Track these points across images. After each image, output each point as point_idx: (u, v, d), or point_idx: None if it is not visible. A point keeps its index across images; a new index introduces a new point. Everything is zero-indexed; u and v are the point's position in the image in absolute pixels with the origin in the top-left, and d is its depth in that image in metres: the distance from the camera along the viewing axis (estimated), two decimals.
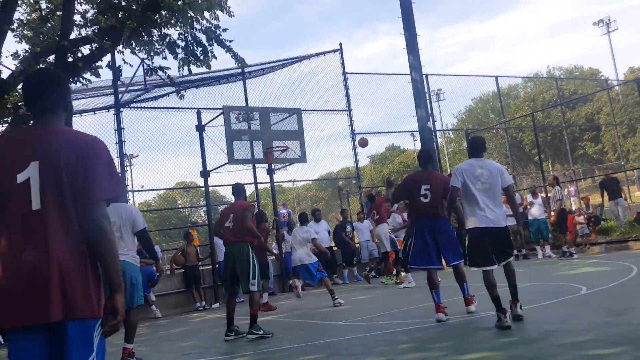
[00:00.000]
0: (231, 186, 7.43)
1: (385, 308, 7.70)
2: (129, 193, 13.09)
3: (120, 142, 12.50)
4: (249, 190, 15.26)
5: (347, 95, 16.12)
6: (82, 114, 12.65)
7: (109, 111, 12.68)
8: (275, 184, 14.53)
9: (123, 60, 11.79)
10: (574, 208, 15.86)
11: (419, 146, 16.09)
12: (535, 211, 13.41)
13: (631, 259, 9.86)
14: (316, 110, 15.67)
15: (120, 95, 12.62)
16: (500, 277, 5.38)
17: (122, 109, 12.64)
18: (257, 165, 14.27)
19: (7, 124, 8.94)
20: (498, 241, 5.39)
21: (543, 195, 14.75)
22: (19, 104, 8.18)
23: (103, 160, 2.18)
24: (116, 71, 10.96)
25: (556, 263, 11.52)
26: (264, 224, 10.63)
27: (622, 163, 28.59)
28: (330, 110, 16.06)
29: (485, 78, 20.64)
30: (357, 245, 14.18)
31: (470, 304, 6.37)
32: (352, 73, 16.41)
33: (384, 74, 17.92)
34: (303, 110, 14.19)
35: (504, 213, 5.57)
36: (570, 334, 4.59)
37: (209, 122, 13.37)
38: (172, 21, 8.58)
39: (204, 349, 6.42)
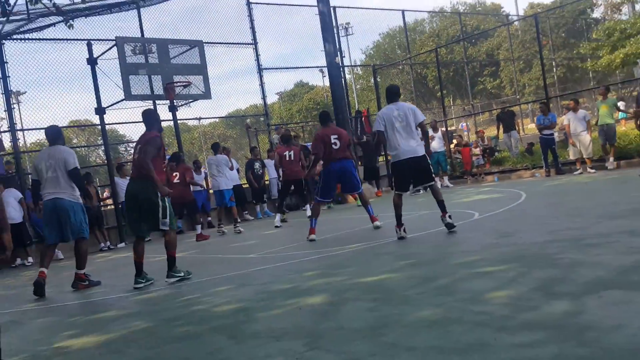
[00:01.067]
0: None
1: (293, 240, 7.88)
2: (19, 132, 12.13)
3: (5, 77, 11.50)
4: None
5: (252, 28, 15.63)
6: None
7: None
8: (179, 121, 14.08)
9: None
10: (470, 141, 16.78)
11: (328, 82, 16.08)
12: (436, 144, 14.02)
13: (521, 186, 10.67)
14: (219, 43, 15.10)
15: (0, 26, 11.46)
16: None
17: (4, 41, 11.53)
18: (158, 102, 13.65)
19: None
20: (418, 168, 6.41)
21: (443, 129, 15.44)
22: None
23: None
24: None
25: (453, 192, 12.24)
26: (184, 164, 10.45)
27: (518, 97, 30.32)
28: (235, 44, 15.55)
29: (393, 12, 20.75)
30: (266, 182, 14.24)
31: (375, 221, 7.81)
32: (256, 3, 15.85)
33: (289, 5, 17.47)
34: (205, 42, 13.62)
35: (422, 144, 6.53)
36: (463, 254, 4.94)
37: (101, 54, 12.52)
38: None
39: (110, 288, 6.31)
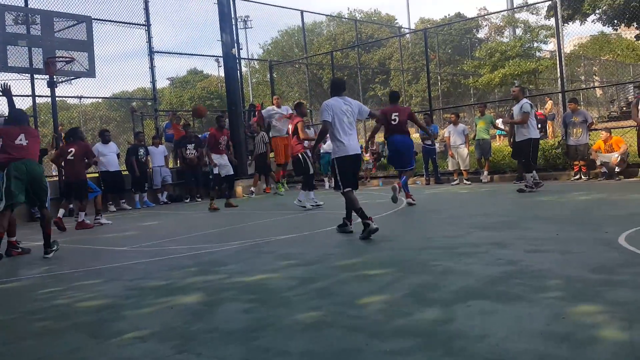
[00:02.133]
0: None
1: (173, 234, 7.56)
2: None
3: None
4: (27, 103, 13.48)
5: (147, 8, 14.82)
6: None
7: None
8: (57, 98, 13.02)
9: None
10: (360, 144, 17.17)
11: (223, 72, 15.67)
12: (327, 145, 14.19)
13: (401, 193, 11.05)
14: (110, 21, 14.13)
15: None
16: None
17: None
18: (36, 76, 12.55)
19: None
20: (356, 166, 6.42)
21: None
22: None
23: None
24: None
25: (338, 195, 12.44)
26: (82, 141, 9.66)
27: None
28: (126, 23, 14.63)
29: (292, 11, 20.82)
30: (149, 170, 13.59)
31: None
32: None
33: None
34: (94, 19, 12.74)
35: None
36: (344, 256, 5.00)
37: None
38: None
39: None
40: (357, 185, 6.40)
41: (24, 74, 12.25)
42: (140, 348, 2.89)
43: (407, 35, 36.70)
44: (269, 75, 22.16)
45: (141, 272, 5.06)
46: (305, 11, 21.14)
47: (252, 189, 13.50)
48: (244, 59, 22.73)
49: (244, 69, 25.29)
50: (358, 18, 42.20)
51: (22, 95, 13.07)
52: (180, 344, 2.91)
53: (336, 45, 36.57)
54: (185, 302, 3.78)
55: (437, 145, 13.60)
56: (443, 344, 2.59)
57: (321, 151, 14.51)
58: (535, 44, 26.99)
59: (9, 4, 11.89)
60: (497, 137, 19.19)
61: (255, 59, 38.52)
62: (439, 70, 32.38)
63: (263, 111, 14.04)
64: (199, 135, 14.57)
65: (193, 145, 13.78)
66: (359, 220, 5.96)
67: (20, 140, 6.34)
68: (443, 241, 5.36)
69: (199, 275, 4.69)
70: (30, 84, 12.72)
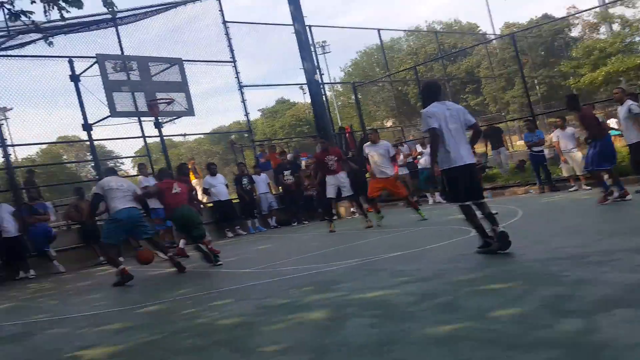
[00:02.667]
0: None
1: (286, 256, 7.83)
2: (9, 148, 11.96)
3: None
4: (139, 144, 14.54)
5: (230, 46, 15.61)
6: None
7: None
8: (165, 137, 14.00)
9: None
10: None
11: (308, 99, 16.18)
12: (424, 161, 14.09)
13: (516, 203, 10.67)
14: (199, 61, 15.01)
15: None
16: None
17: None
18: (143, 119, 13.59)
19: None
20: (472, 178, 5.67)
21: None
22: None
23: None
24: None
25: (446, 209, 12.26)
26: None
27: (503, 114, 30.58)
28: (214, 62, 15.50)
29: (368, 31, 20.95)
30: (256, 197, 14.15)
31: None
32: (232, 22, 15.83)
33: (265, 23, 17.52)
34: (185, 60, 13.55)
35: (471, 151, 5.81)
36: (463, 271, 4.91)
37: (84, 71, 12.48)
38: None
39: (113, 300, 6.33)
40: (478, 196, 5.71)
41: (132, 117, 13.29)
42: None
43: (494, 41, 35.63)
44: (353, 97, 22.37)
45: (265, 291, 5.30)
46: (382, 29, 21.15)
47: (353, 209, 13.63)
48: (327, 83, 23.20)
49: (328, 93, 25.79)
50: (438, 29, 41.51)
51: (132, 137, 14.21)
52: (316, 357, 3.03)
53: (418, 59, 36.18)
54: (313, 318, 3.92)
55: (546, 151, 12.98)
56: (590, 355, 2.50)
57: (418, 167, 14.44)
58: (638, 38, 25.30)
59: (107, 52, 12.94)
60: (613, 138, 18.03)
61: (337, 82, 38.94)
62: (534, 74, 31.12)
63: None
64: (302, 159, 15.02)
65: (289, 171, 14.23)
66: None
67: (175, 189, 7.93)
68: (570, 251, 5.08)
69: (318, 293, 4.83)
70: (139, 126, 13.80)
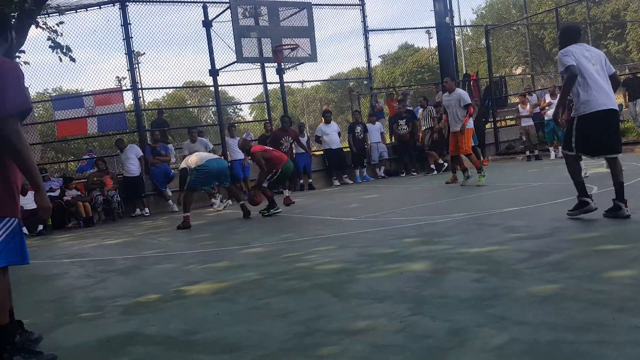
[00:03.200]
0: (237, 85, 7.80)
1: (394, 206, 7.83)
2: (139, 91, 12.93)
3: (128, 38, 12.18)
4: (258, 90, 15.07)
5: None
6: (88, 9, 12.24)
7: (114, 5, 12.25)
8: (285, 84, 14.29)
9: None
10: None
11: (434, 44, 15.61)
12: (552, 112, 13.16)
13: None
14: (327, 5, 14.96)
15: None
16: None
17: (127, 3, 12.19)
18: (266, 65, 13.94)
19: (14, 20, 8.71)
20: (611, 128, 4.98)
21: None
22: None
23: (10, 80, 2.55)
24: None
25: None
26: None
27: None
28: (342, 5, 15.35)
29: None
30: (367, 146, 14.15)
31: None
32: None
33: None
34: (313, 4, 13.54)
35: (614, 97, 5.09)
36: (579, 230, 4.65)
37: (216, 17, 12.89)
38: None
39: (221, 240, 6.69)
40: (613, 150, 4.99)
41: (255, 64, 13.70)
42: (377, 308, 3.11)
43: None
44: (484, 41, 21.20)
45: (369, 240, 5.38)
46: None
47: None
48: (458, 26, 22.13)
49: (456, 37, 24.63)
50: None
51: (254, 84, 14.72)
52: (414, 306, 3.05)
53: (559, 0, 33.21)
54: (414, 269, 3.93)
55: None
56: None
57: (545, 119, 13.53)
58: None
59: None
60: None
61: (469, 25, 37.08)
62: None
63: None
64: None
65: (404, 120, 13.97)
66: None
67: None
68: None
69: (423, 245, 4.81)
70: (261, 73, 14.21)
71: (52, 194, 10.37)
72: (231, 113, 36.12)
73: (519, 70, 33.97)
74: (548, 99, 13.68)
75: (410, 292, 3.35)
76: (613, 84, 5.12)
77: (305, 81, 18.33)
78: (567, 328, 2.46)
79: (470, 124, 9.72)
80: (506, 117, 18.67)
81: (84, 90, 14.00)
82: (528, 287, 3.15)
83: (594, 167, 9.78)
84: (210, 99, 19.22)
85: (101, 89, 13.16)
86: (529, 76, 23.66)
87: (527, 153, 13.73)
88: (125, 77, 13.89)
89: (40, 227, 9.84)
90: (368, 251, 4.81)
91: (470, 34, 38.91)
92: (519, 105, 14.10)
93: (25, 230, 9.05)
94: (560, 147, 13.39)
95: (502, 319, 2.68)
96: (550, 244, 4.25)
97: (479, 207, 6.64)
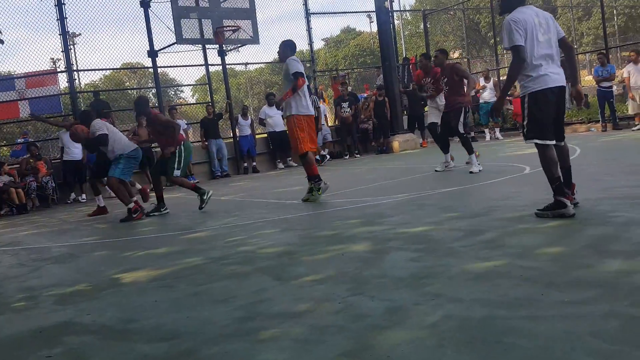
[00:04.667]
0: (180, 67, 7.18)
1: (337, 188, 7.89)
2: (74, 73, 12.40)
3: (62, 18, 11.68)
4: (200, 72, 14.79)
5: None
6: None
7: None
8: (227, 66, 14.08)
9: None
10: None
11: (375, 28, 15.71)
12: (487, 95, 13.61)
13: (576, 140, 10.22)
14: None
15: None
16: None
17: None
18: (207, 46, 13.68)
19: None
20: (560, 108, 4.39)
21: (495, 79, 14.90)
22: None
23: None
24: None
25: (503, 144, 11.92)
26: None
27: (575, 47, 28.79)
28: None
29: None
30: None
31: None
32: None
33: None
34: None
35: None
36: (512, 209, 4.83)
37: None
38: None
39: (162, 225, 6.55)
40: (563, 137, 4.45)
41: (196, 45, 13.41)
42: (318, 289, 3.14)
43: None
44: (422, 26, 21.54)
45: (312, 222, 5.42)
46: None
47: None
48: (396, 11, 22.37)
49: (396, 22, 24.86)
50: None
51: (195, 65, 14.42)
52: (354, 287, 3.10)
53: None
54: (355, 250, 3.99)
55: (614, 87, 12.27)
56: (628, 295, 2.44)
57: (480, 101, 13.96)
58: None
59: None
60: None
61: (407, 10, 37.62)
62: (614, 3, 28.81)
63: None
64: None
65: (347, 103, 14.08)
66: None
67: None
68: (624, 191, 4.92)
69: (364, 226, 4.89)
70: (202, 54, 13.93)
71: None
72: (172, 95, 35.24)
73: (456, 55, 34.76)
74: (482, 82, 14.11)
75: (350, 273, 3.40)
76: (564, 50, 4.47)
77: (249, 63, 18.09)
78: (499, 304, 2.56)
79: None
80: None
81: (16, 73, 13.30)
82: (463, 265, 3.26)
83: (525, 148, 10.19)
84: (150, 81, 18.64)
85: (34, 70, 12.55)
86: (465, 60, 24.26)
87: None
88: (60, 59, 13.31)
89: None
90: (311, 233, 4.84)
91: (409, 18, 39.43)
92: None
93: None
94: (496, 129, 13.90)
95: (438, 296, 2.77)
96: (484, 222, 4.40)
97: (419, 188, 6.80)
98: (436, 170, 8.37)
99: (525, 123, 4.37)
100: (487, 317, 2.42)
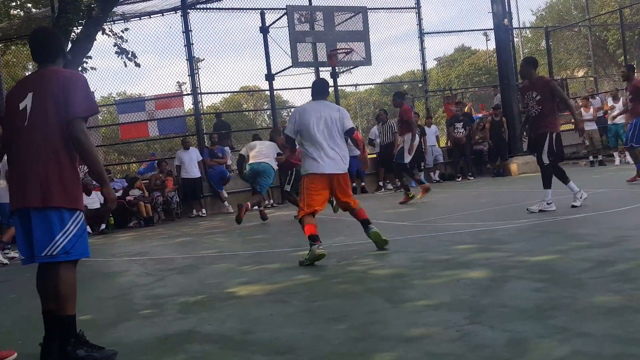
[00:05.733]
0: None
1: (450, 211, 7.69)
2: (198, 96, 13.27)
3: (189, 44, 12.57)
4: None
5: None
6: (151, 16, 12.71)
7: (176, 13, 12.67)
8: (339, 87, 14.32)
9: None
10: None
11: (491, 46, 15.31)
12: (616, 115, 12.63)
13: None
14: (382, 8, 14.92)
15: None
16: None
17: (188, 10, 12.57)
18: (320, 69, 14.02)
19: (81, 27, 9.15)
20: None
21: (625, 99, 13.80)
22: (92, 5, 8.30)
23: (80, 88, 2.83)
24: None
25: (635, 170, 10.94)
26: None
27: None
28: (398, 8, 15.26)
29: None
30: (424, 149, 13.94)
31: None
32: None
33: None
34: (369, 8, 13.53)
35: None
36: None
37: (273, 23, 13.13)
38: None
39: (274, 242, 6.78)
40: None
41: (310, 67, 13.80)
42: (433, 315, 3.05)
43: None
44: (544, 44, 20.58)
45: (424, 245, 5.30)
46: None
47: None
48: (517, 28, 21.55)
49: (515, 40, 23.92)
50: None
51: (309, 87, 14.79)
52: (471, 315, 2.98)
53: (623, 1, 31.78)
54: (471, 277, 3.84)
55: None
56: None
57: (608, 122, 13.02)
58: None
59: (296, 3, 13.44)
60: None
61: (528, 27, 36.13)
62: None
63: None
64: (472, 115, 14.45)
65: (462, 123, 13.72)
66: None
67: None
68: None
69: (480, 252, 4.70)
70: (315, 76, 14.30)
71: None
72: (285, 116, 36.46)
73: (580, 73, 32.76)
74: (611, 102, 13.14)
75: (467, 300, 3.27)
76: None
77: (359, 84, 18.26)
78: (632, 341, 2.35)
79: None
80: (570, 120, 18.01)
81: (146, 95, 14.51)
82: (591, 298, 3.02)
83: None
84: (266, 103, 19.48)
85: (162, 93, 13.60)
86: (592, 79, 22.78)
87: (591, 158, 13.20)
88: (186, 82, 14.32)
89: (103, 226, 10.24)
90: (422, 257, 4.74)
91: (529, 35, 37.83)
92: (582, 109, 13.57)
93: (88, 229, 9.47)
94: (627, 152, 12.80)
95: (564, 330, 2.58)
96: (615, 252, 4.06)
97: (541, 214, 6.41)
98: (573, 206, 6.62)
99: None
100: (619, 355, 2.23)
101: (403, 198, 9.43)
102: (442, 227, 6.36)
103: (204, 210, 11.77)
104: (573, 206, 6.47)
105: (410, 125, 9.22)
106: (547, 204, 6.55)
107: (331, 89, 14.44)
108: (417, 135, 9.36)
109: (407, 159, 9.33)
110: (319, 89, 5.50)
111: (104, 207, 9.54)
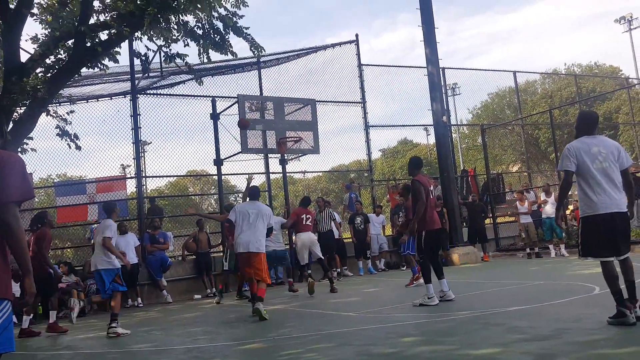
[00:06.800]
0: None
1: (395, 301, 7.69)
2: (142, 179, 13.09)
3: (136, 128, 12.54)
4: (260, 179, 15.32)
5: (362, 87, 16.01)
6: (99, 99, 12.72)
7: (125, 97, 12.74)
8: (287, 174, 14.52)
9: (146, 47, 11.75)
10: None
11: (432, 140, 16.10)
12: (549, 209, 13.28)
13: None
14: (330, 102, 15.56)
15: (137, 82, 12.65)
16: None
17: (138, 95, 12.67)
18: (269, 155, 14.26)
19: (24, 107, 9.00)
20: (619, 230, 4.72)
21: (556, 194, 14.60)
22: (38, 87, 8.22)
23: (16, 171, 2.73)
24: (134, 58, 10.94)
25: (569, 262, 11.40)
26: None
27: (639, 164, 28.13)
28: (345, 102, 15.97)
29: (503, 73, 20.46)
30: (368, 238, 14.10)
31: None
32: (367, 65, 16.26)
33: (399, 66, 17.79)
34: (317, 101, 14.12)
35: (624, 196, 4.79)
36: (583, 332, 4.54)
37: (224, 110, 13.39)
38: (191, 8, 8.50)
39: (216, 335, 6.47)
40: (619, 251, 4.75)
41: (259, 154, 14.03)
42: None
43: (637, 86, 33.20)
44: (480, 140, 21.77)
45: (369, 338, 5.22)
46: (518, 71, 20.62)
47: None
48: (455, 125, 22.82)
49: (453, 135, 25.26)
50: (577, 72, 39.54)
51: (257, 173, 14.95)
52: None
53: (553, 103, 34.48)
54: None
55: None
56: None
57: (543, 216, 13.63)
58: None
59: (247, 93, 13.86)
60: None
61: (465, 125, 38.33)
62: None
63: None
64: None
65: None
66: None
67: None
68: None
69: (426, 344, 4.68)
70: (264, 163, 14.50)
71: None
72: (232, 201, 36.32)
73: (515, 168, 34.63)
74: (543, 196, 13.85)
75: None
76: (625, 183, 4.78)
77: (307, 172, 18.57)
78: None
79: None
80: (506, 213, 18.80)
81: (87, 177, 14.19)
82: None
83: (593, 267, 9.69)
84: (213, 187, 19.39)
85: (105, 176, 13.34)
86: (526, 174, 24.11)
87: (528, 250, 13.69)
88: (130, 165, 14.14)
89: (31, 315, 9.41)
90: (368, 350, 4.66)
91: (467, 132, 40.02)
92: (517, 202, 14.24)
93: (14, 319, 8.78)
94: (561, 246, 13.37)
95: None
96: (555, 346, 4.13)
97: (482, 306, 6.50)
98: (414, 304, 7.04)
99: (579, 241, 4.91)
100: None
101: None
102: (388, 318, 6.32)
103: (139, 300, 11.25)
104: (414, 305, 6.97)
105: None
106: (429, 297, 6.96)
107: (279, 175, 14.64)
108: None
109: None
110: (254, 194, 7.86)
111: (19, 302, 8.75)
